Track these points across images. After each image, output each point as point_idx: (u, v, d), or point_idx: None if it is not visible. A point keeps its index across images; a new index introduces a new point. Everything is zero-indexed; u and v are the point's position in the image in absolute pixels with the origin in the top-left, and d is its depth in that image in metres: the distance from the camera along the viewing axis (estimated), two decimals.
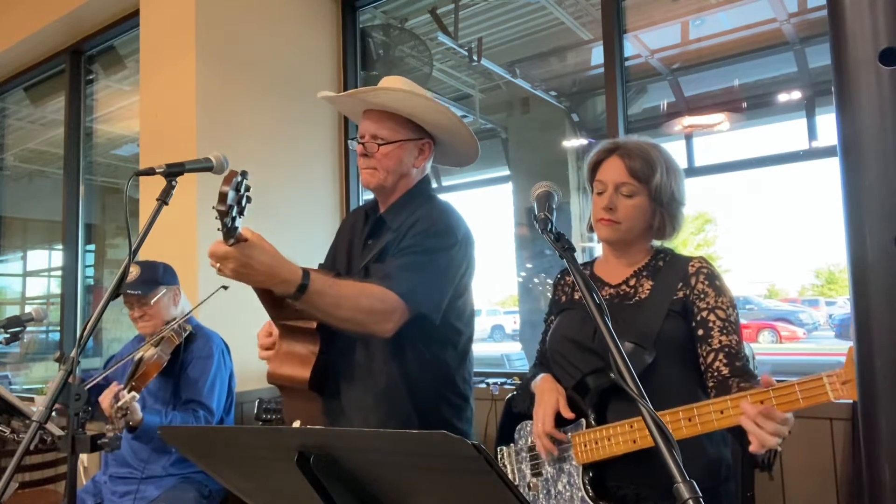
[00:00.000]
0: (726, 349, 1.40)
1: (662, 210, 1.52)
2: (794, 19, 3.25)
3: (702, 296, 1.45)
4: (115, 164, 4.76)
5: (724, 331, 1.41)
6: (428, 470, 0.67)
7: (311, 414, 1.61)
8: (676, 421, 1.27)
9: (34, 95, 4.89)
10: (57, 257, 4.66)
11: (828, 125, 2.90)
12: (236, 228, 1.21)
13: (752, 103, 3.38)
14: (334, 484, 0.72)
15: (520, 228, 4.65)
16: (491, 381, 2.85)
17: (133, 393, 2.01)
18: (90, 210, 4.39)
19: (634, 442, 1.34)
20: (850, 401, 2.09)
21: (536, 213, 1.18)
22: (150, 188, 3.09)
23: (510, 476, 1.59)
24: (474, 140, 1.71)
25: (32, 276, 5.84)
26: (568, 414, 1.45)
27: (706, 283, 1.46)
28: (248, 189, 1.21)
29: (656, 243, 1.61)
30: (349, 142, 1.78)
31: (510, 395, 1.73)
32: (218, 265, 1.28)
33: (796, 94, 3.24)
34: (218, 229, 1.21)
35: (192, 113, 2.97)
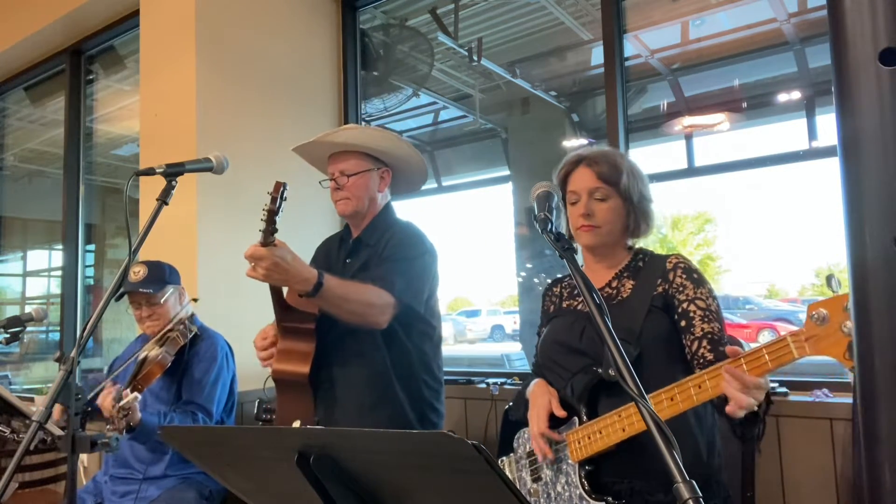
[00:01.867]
0: (709, 336, 1.44)
1: (634, 209, 1.59)
2: (794, 19, 3.25)
3: (681, 289, 1.50)
4: (115, 164, 4.76)
5: (706, 319, 1.45)
6: (428, 470, 0.67)
7: (306, 406, 1.82)
8: (659, 402, 1.31)
9: (34, 95, 4.89)
10: (57, 257, 4.66)
11: (828, 125, 2.90)
12: (276, 230, 1.50)
13: (752, 103, 3.38)
14: (334, 484, 0.72)
15: (520, 228, 4.64)
16: (491, 381, 2.85)
17: (135, 393, 2.01)
18: (90, 210, 4.39)
19: (623, 430, 1.37)
20: (849, 400, 2.10)
21: (536, 213, 1.18)
22: (150, 188, 3.09)
23: None
24: (424, 163, 2.01)
25: (32, 276, 5.84)
26: (560, 412, 1.49)
27: (684, 276, 1.51)
28: (285, 199, 1.53)
29: (632, 243, 1.66)
30: (320, 183, 2.02)
31: (507, 406, 1.76)
32: (251, 265, 1.53)
33: (796, 94, 3.24)
34: (260, 230, 1.50)
35: (192, 113, 2.97)
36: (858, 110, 0.44)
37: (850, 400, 2.10)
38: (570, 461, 1.48)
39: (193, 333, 2.36)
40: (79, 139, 4.29)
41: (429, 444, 0.63)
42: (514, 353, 5.62)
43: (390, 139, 1.93)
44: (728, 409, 1.21)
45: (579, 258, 1.70)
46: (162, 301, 2.39)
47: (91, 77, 4.34)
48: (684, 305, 1.48)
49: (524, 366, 5.05)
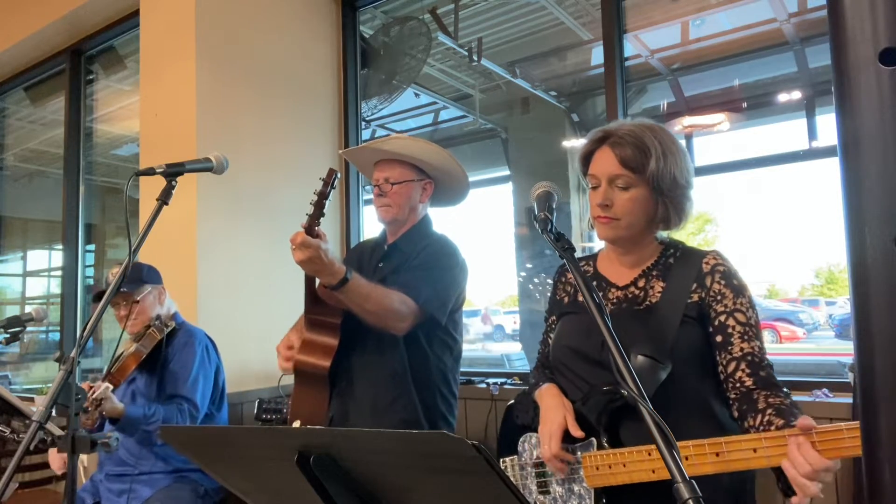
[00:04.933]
0: (749, 357, 1.27)
1: (664, 198, 1.37)
2: (794, 19, 3.25)
3: (718, 297, 1.32)
4: (115, 164, 4.76)
5: (746, 336, 1.29)
6: (428, 470, 0.67)
7: (321, 400, 1.85)
8: (702, 454, 1.13)
9: (34, 95, 4.89)
10: (57, 257, 4.66)
11: (828, 125, 2.90)
12: (324, 215, 1.58)
13: (752, 103, 3.38)
14: (334, 484, 0.72)
15: (520, 228, 4.65)
16: (491, 381, 2.85)
17: (107, 384, 2.04)
18: (90, 210, 4.39)
19: (654, 472, 1.19)
20: (849, 400, 2.10)
21: (536, 213, 1.16)
22: (150, 188, 3.09)
23: None
24: (467, 179, 2.04)
25: (32, 276, 5.84)
26: (577, 433, 1.33)
27: (723, 282, 1.33)
28: (335, 189, 1.61)
29: (663, 234, 1.47)
30: (364, 188, 2.10)
31: (511, 402, 1.62)
32: (293, 248, 1.58)
33: (796, 94, 3.25)
34: (307, 214, 1.57)
35: (192, 113, 2.97)
36: (858, 110, 0.44)
37: (850, 400, 2.10)
38: (585, 485, 1.32)
39: (171, 328, 2.37)
40: (79, 139, 4.28)
41: (428, 444, 0.63)
42: (514, 353, 5.63)
43: (438, 153, 1.97)
44: (794, 500, 1.04)
45: (597, 249, 1.61)
46: (139, 299, 2.40)
47: (91, 77, 4.34)
48: (722, 318, 1.31)
49: (524, 366, 5.06)
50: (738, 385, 1.27)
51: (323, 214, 1.59)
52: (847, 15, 0.44)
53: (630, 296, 1.41)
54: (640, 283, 1.41)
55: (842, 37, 0.44)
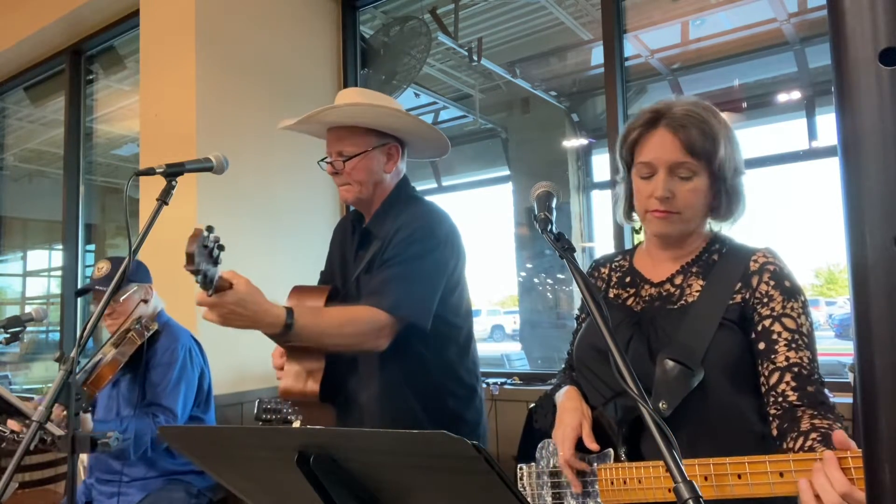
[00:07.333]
0: (795, 369, 1.13)
1: (726, 188, 1.22)
2: (794, 19, 3.26)
3: (765, 300, 1.17)
4: (115, 164, 4.77)
5: (794, 345, 1.14)
6: (428, 470, 0.67)
7: (328, 423, 1.66)
8: (722, 475, 1.01)
9: (34, 95, 4.89)
10: (57, 257, 4.67)
11: (828, 125, 2.91)
12: (212, 281, 1.26)
13: (752, 103, 3.38)
14: (334, 484, 0.72)
15: (520, 228, 4.65)
16: (491, 381, 2.85)
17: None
18: (90, 210, 4.40)
19: (670, 491, 1.10)
20: (849, 400, 2.10)
21: (536, 213, 1.13)
22: (150, 188, 3.09)
23: (528, 499, 1.34)
24: (438, 133, 1.72)
25: (32, 276, 5.85)
26: (592, 445, 1.22)
27: (772, 283, 1.18)
28: (216, 240, 1.24)
29: (710, 227, 1.33)
30: (318, 164, 1.74)
31: (532, 406, 1.51)
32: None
33: (796, 94, 3.25)
34: (196, 280, 1.25)
35: (192, 113, 2.97)
36: (858, 110, 0.43)
37: (850, 400, 2.10)
38: (599, 500, 1.23)
39: (153, 331, 2.28)
40: (79, 139, 4.29)
41: (428, 443, 0.63)
42: (514, 353, 5.63)
43: (394, 116, 1.63)
44: None
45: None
46: (121, 300, 2.33)
47: (91, 77, 4.35)
48: (766, 323, 1.16)
49: (524, 366, 5.06)
50: (779, 399, 1.13)
51: (211, 281, 1.26)
52: (847, 15, 0.44)
53: (664, 293, 1.28)
54: (677, 281, 1.28)
55: (842, 37, 0.44)
